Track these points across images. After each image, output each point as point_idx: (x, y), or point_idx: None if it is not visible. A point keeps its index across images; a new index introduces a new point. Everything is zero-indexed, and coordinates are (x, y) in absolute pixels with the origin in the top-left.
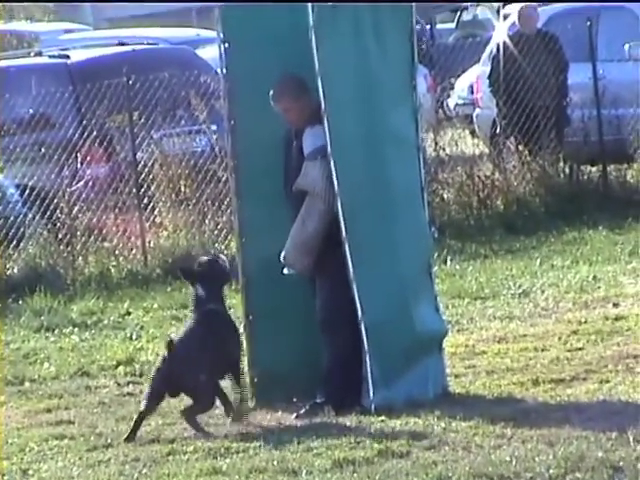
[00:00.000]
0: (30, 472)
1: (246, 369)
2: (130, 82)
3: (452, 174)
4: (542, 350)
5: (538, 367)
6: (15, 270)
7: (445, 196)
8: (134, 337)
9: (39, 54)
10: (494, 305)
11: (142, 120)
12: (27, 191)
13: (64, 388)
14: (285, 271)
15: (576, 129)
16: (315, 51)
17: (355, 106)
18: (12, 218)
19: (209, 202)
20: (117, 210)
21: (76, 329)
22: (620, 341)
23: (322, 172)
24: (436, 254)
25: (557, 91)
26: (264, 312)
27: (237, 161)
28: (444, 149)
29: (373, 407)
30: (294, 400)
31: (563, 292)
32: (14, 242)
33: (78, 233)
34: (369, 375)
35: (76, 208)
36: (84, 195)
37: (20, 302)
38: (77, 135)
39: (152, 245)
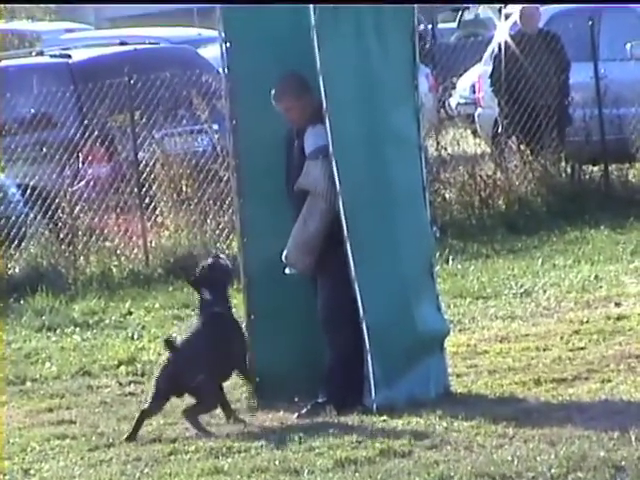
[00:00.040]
0: (32, 472)
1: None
2: (131, 81)
3: (454, 174)
4: (544, 350)
5: (540, 367)
6: (16, 270)
7: (447, 196)
8: (135, 337)
9: (40, 54)
10: (496, 304)
11: (144, 120)
12: (28, 191)
13: (66, 388)
14: (287, 271)
15: (578, 128)
16: (317, 51)
17: (357, 106)
18: (13, 218)
19: (211, 202)
20: (118, 210)
21: (77, 329)
22: (622, 341)
23: (323, 171)
24: (438, 253)
25: (559, 90)
26: (266, 312)
27: (239, 161)
28: (446, 149)
29: (375, 407)
30: (296, 400)
31: (565, 292)
32: (15, 242)
33: (79, 233)
34: (371, 374)
35: (77, 208)
36: (85, 195)
37: (21, 302)
38: (78, 135)
39: (154, 245)
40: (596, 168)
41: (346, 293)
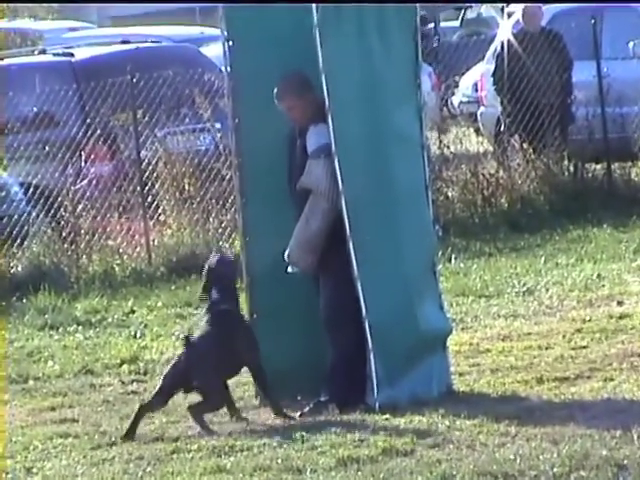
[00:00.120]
0: (34, 470)
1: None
2: (134, 80)
3: (456, 172)
4: (546, 348)
5: (542, 365)
6: (19, 268)
7: (449, 194)
8: (138, 335)
9: (43, 52)
10: (498, 303)
11: (146, 118)
12: (31, 189)
13: (68, 386)
14: (289, 269)
15: (580, 127)
16: (319, 50)
17: (359, 105)
18: (16, 216)
19: (213, 200)
20: (121, 208)
21: (80, 327)
22: (624, 339)
23: (326, 170)
24: (440, 252)
25: (561, 89)
26: (268, 310)
27: (241, 159)
28: (448, 147)
29: (377, 405)
30: (298, 398)
31: (567, 290)
32: (18, 240)
33: (82, 231)
34: (373, 373)
35: (80, 206)
36: (88, 193)
37: (24, 300)
38: (81, 133)
39: (156, 243)
40: (599, 166)
41: (348, 292)
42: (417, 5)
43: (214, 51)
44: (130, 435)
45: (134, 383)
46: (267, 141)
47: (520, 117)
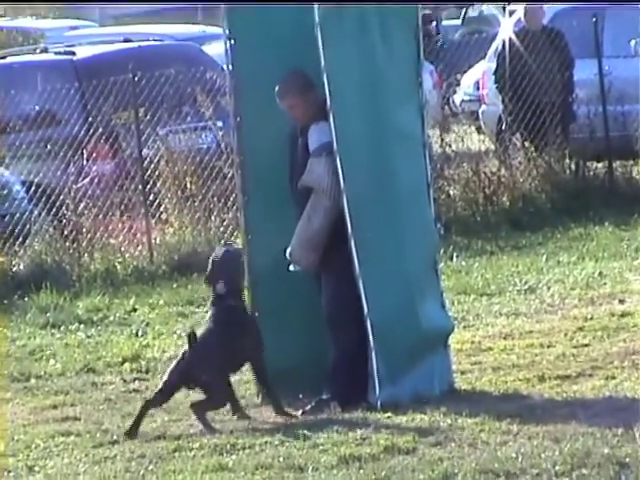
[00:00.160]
0: (36, 469)
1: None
2: (136, 78)
3: (458, 170)
4: (548, 346)
5: (544, 363)
6: (21, 267)
7: (451, 192)
8: (140, 334)
9: (45, 51)
10: (500, 301)
11: (148, 117)
12: (33, 188)
13: (70, 385)
14: (291, 268)
15: (582, 125)
16: (321, 48)
17: (361, 103)
18: (18, 215)
19: (215, 199)
20: (123, 207)
21: (82, 326)
22: (626, 337)
23: (327, 169)
24: (442, 250)
25: (563, 87)
26: (270, 308)
27: (243, 158)
28: (450, 145)
29: (379, 403)
30: (300, 396)
31: (569, 288)
32: (20, 239)
33: (84, 230)
34: (375, 371)
35: (82, 205)
36: (90, 192)
37: (26, 299)
38: (83, 132)
39: (158, 242)
40: (600, 165)
41: (350, 290)
42: (418, 4)
43: (216, 49)
44: (134, 431)
45: (136, 381)
46: (269, 139)
47: (521, 115)
